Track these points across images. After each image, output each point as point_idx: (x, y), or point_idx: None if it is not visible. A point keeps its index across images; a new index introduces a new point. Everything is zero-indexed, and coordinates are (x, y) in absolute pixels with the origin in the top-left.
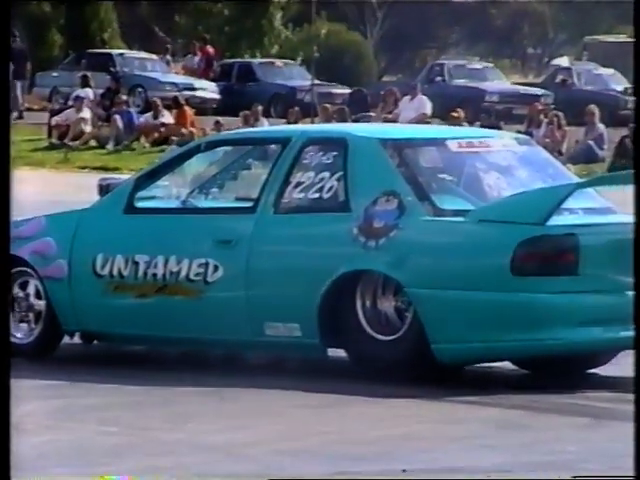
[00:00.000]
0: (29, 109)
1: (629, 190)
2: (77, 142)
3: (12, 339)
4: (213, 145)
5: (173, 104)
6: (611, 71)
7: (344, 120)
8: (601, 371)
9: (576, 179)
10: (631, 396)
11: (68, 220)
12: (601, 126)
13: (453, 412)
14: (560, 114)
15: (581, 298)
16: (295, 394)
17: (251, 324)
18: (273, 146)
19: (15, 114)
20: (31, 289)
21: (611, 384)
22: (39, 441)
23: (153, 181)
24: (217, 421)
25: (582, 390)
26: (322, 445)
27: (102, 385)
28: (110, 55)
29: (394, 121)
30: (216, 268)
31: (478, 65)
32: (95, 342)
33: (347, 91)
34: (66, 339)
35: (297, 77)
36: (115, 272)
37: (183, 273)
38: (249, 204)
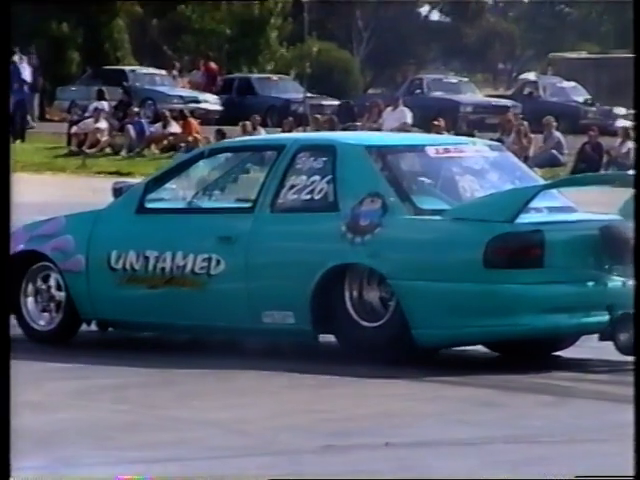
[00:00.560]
0: (50, 120)
1: (588, 191)
2: (94, 149)
3: (35, 327)
4: (216, 152)
5: (180, 115)
6: (573, 84)
7: (333, 129)
8: (565, 353)
9: (542, 181)
10: (592, 375)
11: (86, 219)
12: (558, 134)
13: (432, 391)
14: (525, 123)
15: (546, 288)
16: (289, 375)
17: (250, 312)
18: (269, 152)
19: (33, 123)
20: (52, 282)
21: (574, 365)
22: (59, 417)
23: (162, 184)
24: (219, 400)
25: (547, 371)
26: (313, 422)
27: (115, 367)
28: (123, 71)
29: (378, 130)
30: (218, 262)
31: (454, 79)
32: (110, 329)
33: (336, 103)
34: (84, 326)
35: (291, 90)
36: (128, 266)
37: (189, 267)
38: (248, 204)
